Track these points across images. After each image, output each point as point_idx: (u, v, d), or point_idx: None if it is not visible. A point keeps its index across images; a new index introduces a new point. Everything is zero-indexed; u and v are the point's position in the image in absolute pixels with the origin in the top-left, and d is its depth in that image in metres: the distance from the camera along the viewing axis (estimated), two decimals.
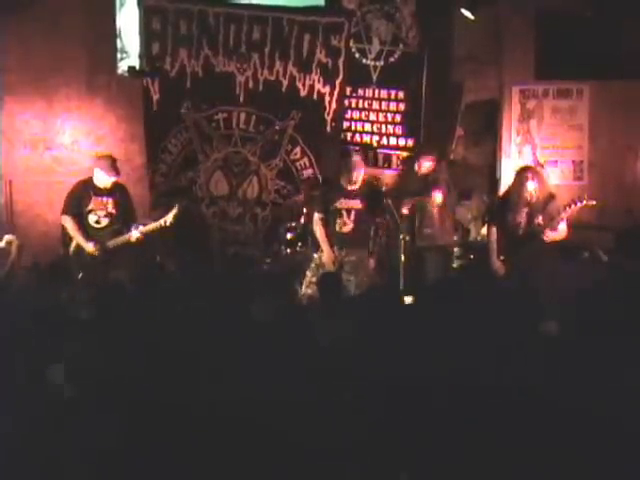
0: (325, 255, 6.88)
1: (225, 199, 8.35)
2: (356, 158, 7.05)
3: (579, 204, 6.53)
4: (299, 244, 7.79)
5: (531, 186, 6.76)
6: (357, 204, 6.92)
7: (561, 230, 6.64)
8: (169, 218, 7.01)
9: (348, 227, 6.90)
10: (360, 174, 6.94)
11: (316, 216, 7.02)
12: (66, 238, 7.20)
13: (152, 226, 7.04)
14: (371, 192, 7.08)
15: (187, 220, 7.46)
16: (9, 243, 6.59)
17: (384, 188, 7.78)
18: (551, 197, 6.82)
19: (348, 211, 6.90)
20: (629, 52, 8.03)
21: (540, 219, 6.66)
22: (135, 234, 7.00)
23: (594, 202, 6.65)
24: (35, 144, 8.45)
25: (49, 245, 7.77)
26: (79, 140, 8.51)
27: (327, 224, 6.93)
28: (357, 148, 8.31)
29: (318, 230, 6.97)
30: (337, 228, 6.91)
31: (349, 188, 6.92)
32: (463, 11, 8.48)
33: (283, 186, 8.34)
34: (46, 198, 8.38)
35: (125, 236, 7.02)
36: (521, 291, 6.39)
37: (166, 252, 7.79)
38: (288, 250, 7.82)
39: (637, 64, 7.98)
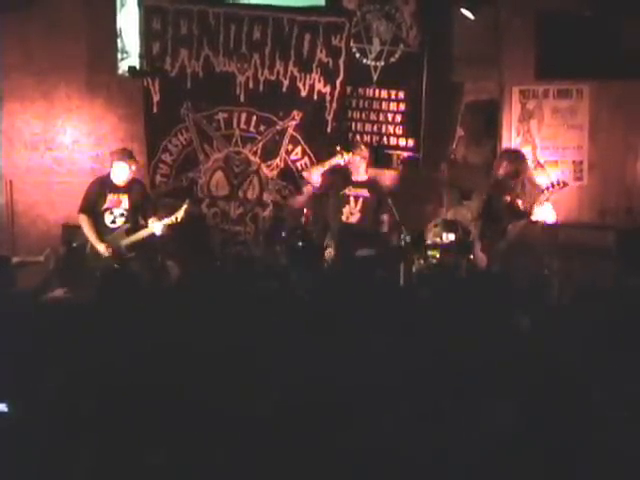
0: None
1: (226, 199, 8.36)
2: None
3: (557, 187, 6.66)
4: None
5: (505, 164, 6.84)
6: None
7: (547, 211, 6.70)
8: (180, 214, 7.10)
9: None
10: None
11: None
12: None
13: (167, 221, 7.11)
14: None
15: (188, 221, 7.47)
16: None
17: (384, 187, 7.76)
18: (527, 179, 6.95)
19: None
20: (629, 52, 8.02)
21: (521, 203, 6.73)
22: (158, 226, 7.04)
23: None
24: (35, 144, 8.46)
25: (49, 245, 7.78)
26: (79, 140, 8.52)
27: None
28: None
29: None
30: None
31: None
32: (463, 11, 8.47)
33: (284, 186, 8.35)
34: (46, 198, 8.39)
35: (144, 231, 7.09)
36: (499, 281, 6.43)
37: (167, 253, 7.80)
38: None
39: (637, 64, 7.97)
